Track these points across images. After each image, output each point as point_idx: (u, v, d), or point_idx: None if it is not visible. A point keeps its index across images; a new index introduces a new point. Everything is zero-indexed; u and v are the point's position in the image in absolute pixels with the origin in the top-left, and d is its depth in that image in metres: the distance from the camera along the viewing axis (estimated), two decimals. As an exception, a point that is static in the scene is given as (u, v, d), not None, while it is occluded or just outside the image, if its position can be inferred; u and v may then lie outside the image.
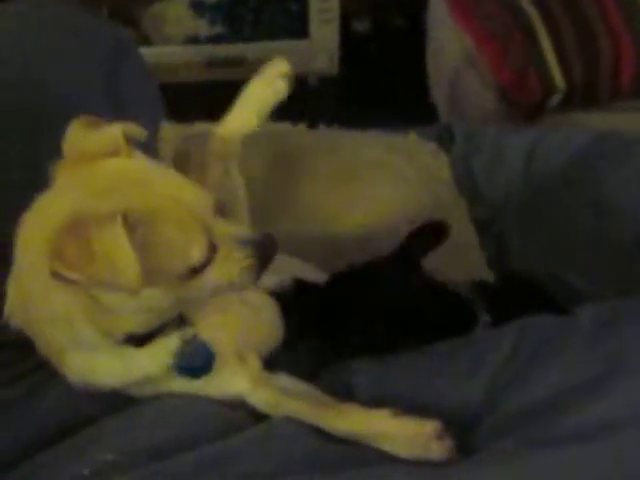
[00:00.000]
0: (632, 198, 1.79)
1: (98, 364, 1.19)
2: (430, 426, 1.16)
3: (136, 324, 1.15)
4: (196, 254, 1.08)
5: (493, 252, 1.86)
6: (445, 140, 2.08)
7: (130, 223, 1.00)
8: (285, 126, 1.97)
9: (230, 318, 1.30)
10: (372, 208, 1.72)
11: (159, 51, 3.33)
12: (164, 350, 1.20)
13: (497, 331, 1.34)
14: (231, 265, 1.13)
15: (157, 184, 1.10)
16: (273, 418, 1.24)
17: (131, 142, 1.12)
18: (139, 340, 1.18)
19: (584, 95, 2.52)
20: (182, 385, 1.25)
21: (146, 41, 3.34)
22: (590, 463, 1.07)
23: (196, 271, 1.09)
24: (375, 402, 1.21)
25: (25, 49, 1.64)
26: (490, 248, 1.86)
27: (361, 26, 3.65)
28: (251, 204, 1.44)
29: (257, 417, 1.26)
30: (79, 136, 1.11)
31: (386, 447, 1.17)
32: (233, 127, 1.40)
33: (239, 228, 1.17)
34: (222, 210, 1.16)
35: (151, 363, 1.20)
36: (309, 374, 1.31)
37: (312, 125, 2.05)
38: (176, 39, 3.41)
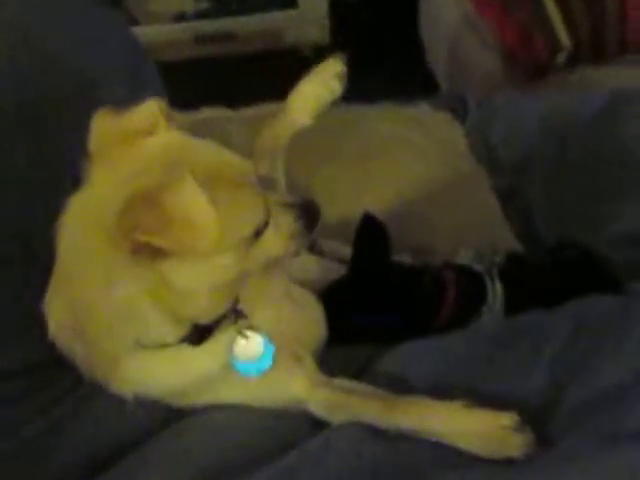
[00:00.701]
0: None
1: (156, 365, 1.14)
2: (507, 418, 1.10)
3: (203, 307, 1.10)
4: (260, 214, 1.08)
5: (519, 223, 1.81)
6: (458, 109, 2.03)
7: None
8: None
9: (283, 315, 1.25)
10: (393, 186, 1.66)
11: (146, 30, 3.24)
12: (222, 345, 1.16)
13: (552, 316, 1.29)
14: (284, 227, 1.14)
15: (205, 153, 1.08)
16: (327, 431, 1.18)
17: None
18: (199, 336, 1.13)
19: (591, 51, 2.46)
20: (236, 391, 1.21)
21: (132, 20, 3.25)
22: None
23: (258, 233, 1.09)
24: (434, 394, 1.16)
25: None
26: (515, 218, 1.81)
27: (351, -5, 3.56)
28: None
29: (312, 426, 1.21)
30: (107, 125, 1.08)
31: (460, 443, 1.11)
32: (285, 125, 1.38)
33: (283, 195, 1.18)
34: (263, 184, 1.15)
35: (210, 359, 1.16)
36: (354, 373, 1.27)
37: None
38: (162, 17, 3.32)
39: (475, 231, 1.73)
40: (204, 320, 1.13)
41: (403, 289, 1.42)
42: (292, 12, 3.29)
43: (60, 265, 1.09)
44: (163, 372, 1.16)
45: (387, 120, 1.87)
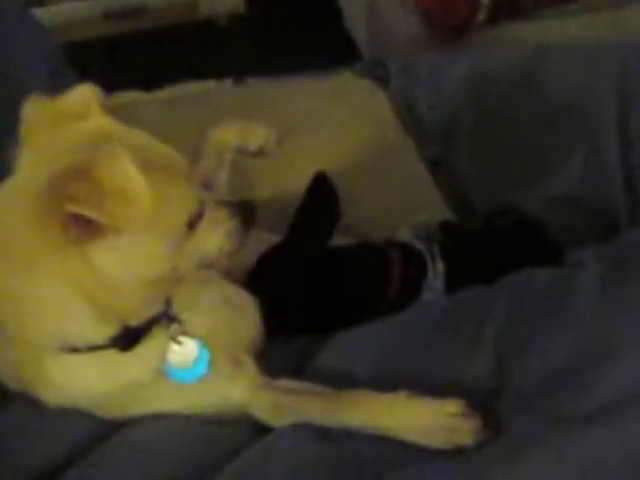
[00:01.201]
0: (583, 102, 1.71)
1: (82, 369, 1.08)
2: (453, 405, 1.06)
3: (132, 302, 1.04)
4: (192, 203, 1.05)
5: (450, 191, 1.77)
6: (379, 76, 1.98)
7: None
8: (210, 84, 1.83)
9: (219, 321, 1.20)
10: (316, 162, 1.60)
11: (52, 10, 3.12)
12: (153, 350, 1.10)
13: (491, 293, 1.25)
14: (219, 224, 1.11)
15: (138, 139, 1.06)
16: (269, 435, 1.14)
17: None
18: (128, 340, 1.07)
19: (509, 7, 2.43)
20: (172, 400, 1.15)
21: (36, 1, 3.12)
22: (625, 437, 0.98)
23: (192, 225, 1.05)
24: (378, 385, 1.12)
25: None
26: (446, 186, 1.77)
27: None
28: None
29: (255, 431, 1.16)
30: (38, 110, 1.05)
31: (407, 436, 1.07)
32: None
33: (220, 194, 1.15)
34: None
35: (140, 365, 1.10)
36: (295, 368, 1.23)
37: (238, 79, 1.91)
38: (68, -5, 3.20)
39: (407, 203, 1.69)
40: (134, 320, 1.07)
41: (349, 266, 1.37)
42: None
43: None
44: (89, 377, 1.09)
45: (307, 94, 1.81)
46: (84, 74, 1.81)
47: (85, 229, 0.94)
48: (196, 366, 1.12)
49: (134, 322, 1.07)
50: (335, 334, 1.26)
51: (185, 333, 1.12)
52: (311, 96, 1.80)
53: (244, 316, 1.26)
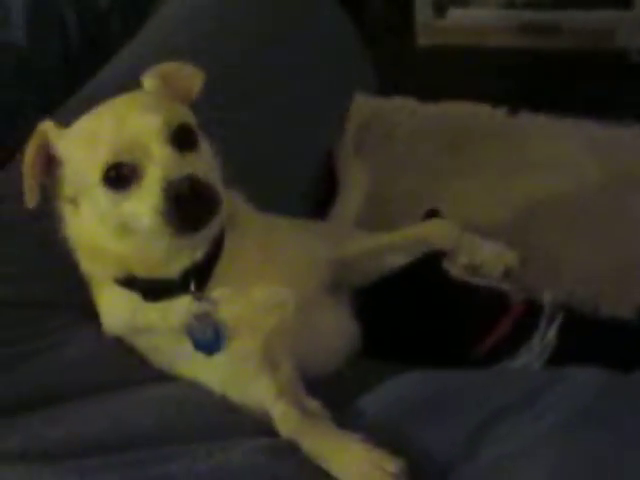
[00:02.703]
0: None
1: (117, 298, 1.20)
2: (393, 464, 1.04)
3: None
4: (103, 153, 1.07)
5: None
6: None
7: None
8: (483, 108, 1.85)
9: (265, 323, 1.22)
10: (522, 207, 1.56)
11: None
12: (178, 308, 1.18)
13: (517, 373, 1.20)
14: (147, 197, 1.06)
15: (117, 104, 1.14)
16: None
17: None
18: (150, 291, 1.17)
19: None
20: (203, 368, 1.21)
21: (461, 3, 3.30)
22: None
23: (117, 183, 1.07)
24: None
25: None
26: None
27: None
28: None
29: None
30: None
31: (335, 470, 1.07)
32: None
33: (181, 166, 1.07)
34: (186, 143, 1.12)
35: (157, 315, 1.19)
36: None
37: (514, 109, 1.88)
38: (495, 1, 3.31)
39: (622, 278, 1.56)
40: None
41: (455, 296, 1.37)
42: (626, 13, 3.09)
43: None
44: (119, 308, 1.20)
45: (566, 137, 1.74)
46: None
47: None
48: (212, 345, 1.18)
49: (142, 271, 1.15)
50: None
51: (209, 314, 1.18)
52: (570, 141, 1.72)
53: (318, 341, 1.29)
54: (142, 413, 1.14)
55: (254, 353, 1.20)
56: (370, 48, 2.26)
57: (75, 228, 1.18)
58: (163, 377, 1.23)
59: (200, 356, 1.19)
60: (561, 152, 1.70)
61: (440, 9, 3.32)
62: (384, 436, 1.09)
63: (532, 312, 1.34)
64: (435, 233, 1.45)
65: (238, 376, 1.20)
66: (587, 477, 0.96)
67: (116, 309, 1.22)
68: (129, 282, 1.18)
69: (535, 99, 2.02)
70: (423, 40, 3.35)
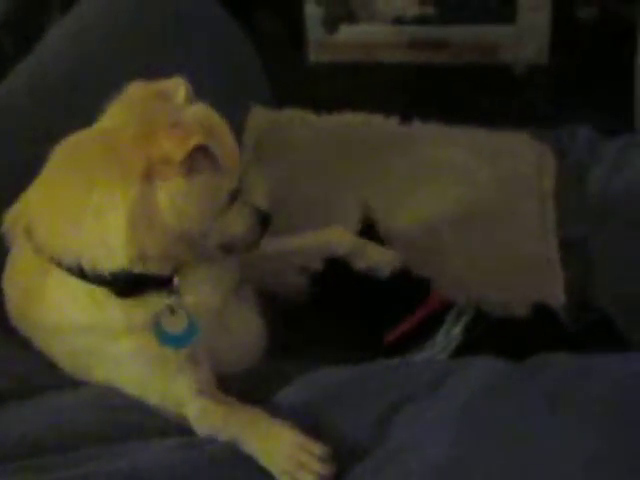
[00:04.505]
0: None
1: (74, 292, 1.19)
2: (319, 448, 1.09)
3: (157, 246, 1.15)
4: (237, 176, 1.23)
5: (577, 273, 1.66)
6: (565, 143, 1.89)
7: None
8: (377, 119, 1.89)
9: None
10: (419, 211, 1.60)
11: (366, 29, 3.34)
12: (148, 307, 1.20)
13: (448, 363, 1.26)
14: (245, 216, 1.27)
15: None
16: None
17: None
18: (126, 285, 1.17)
19: None
20: (125, 369, 1.22)
21: (352, 19, 3.35)
22: None
23: (232, 199, 1.23)
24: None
25: None
26: (573, 269, 1.66)
27: (585, 13, 3.37)
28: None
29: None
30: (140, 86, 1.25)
31: (263, 456, 1.11)
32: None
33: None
34: None
35: (122, 310, 1.19)
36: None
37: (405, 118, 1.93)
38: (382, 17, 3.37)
39: (518, 274, 1.62)
40: (151, 264, 1.16)
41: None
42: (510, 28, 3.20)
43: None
44: (77, 303, 1.19)
45: (451, 144, 1.80)
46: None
47: (164, 169, 1.12)
48: (183, 338, 1.21)
49: (152, 266, 1.17)
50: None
51: (181, 305, 1.21)
52: (455, 147, 1.78)
53: (233, 339, 1.34)
54: (58, 418, 1.16)
55: (178, 351, 1.22)
56: (262, 65, 2.29)
57: None
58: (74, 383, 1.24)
59: (124, 357, 1.21)
60: (452, 158, 1.75)
61: (331, 25, 3.37)
62: (306, 423, 1.14)
63: (447, 307, 1.39)
64: (332, 239, 1.48)
65: (159, 375, 1.22)
66: (490, 444, 1.00)
67: (66, 300, 1.20)
68: (99, 277, 1.16)
69: (425, 112, 2.09)
70: (315, 57, 3.39)
